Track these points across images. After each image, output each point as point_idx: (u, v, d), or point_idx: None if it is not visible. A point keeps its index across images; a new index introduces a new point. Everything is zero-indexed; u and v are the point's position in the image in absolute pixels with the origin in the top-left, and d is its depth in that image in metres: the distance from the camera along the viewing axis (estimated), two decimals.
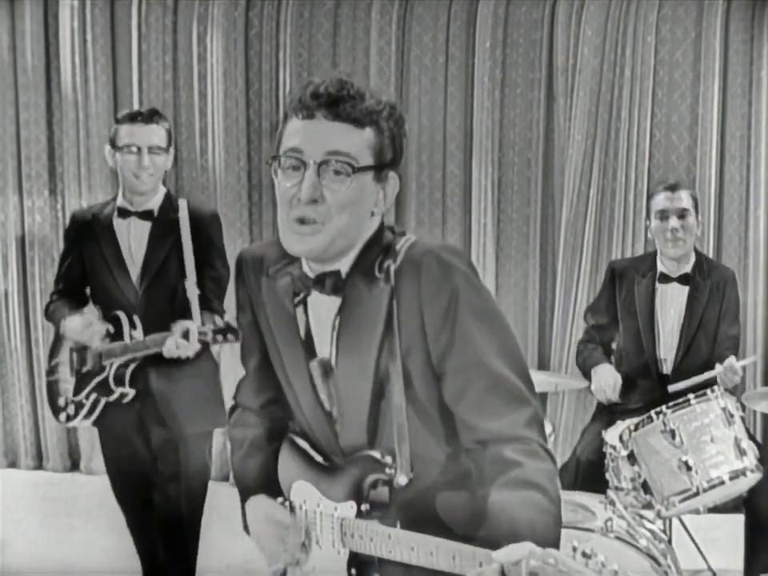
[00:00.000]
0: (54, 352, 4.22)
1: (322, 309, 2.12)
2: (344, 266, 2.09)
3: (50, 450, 6.81)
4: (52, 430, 6.71)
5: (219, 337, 3.76)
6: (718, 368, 4.37)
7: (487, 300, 2.06)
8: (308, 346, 2.15)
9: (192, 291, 3.88)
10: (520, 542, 1.71)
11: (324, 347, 2.13)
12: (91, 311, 4.08)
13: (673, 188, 4.59)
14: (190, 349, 3.76)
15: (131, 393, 3.95)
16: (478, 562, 1.75)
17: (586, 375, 4.74)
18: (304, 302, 2.14)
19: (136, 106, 6.40)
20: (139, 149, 3.90)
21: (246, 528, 2.28)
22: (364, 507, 2.05)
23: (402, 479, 2.00)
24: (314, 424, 2.18)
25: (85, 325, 3.99)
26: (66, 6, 6.49)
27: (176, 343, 3.74)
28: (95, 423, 4.09)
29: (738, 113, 6.04)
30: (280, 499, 2.23)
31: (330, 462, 2.16)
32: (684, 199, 4.57)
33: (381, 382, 2.03)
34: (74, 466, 6.83)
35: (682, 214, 4.54)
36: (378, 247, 2.09)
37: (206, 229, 4.07)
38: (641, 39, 6.04)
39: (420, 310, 1.99)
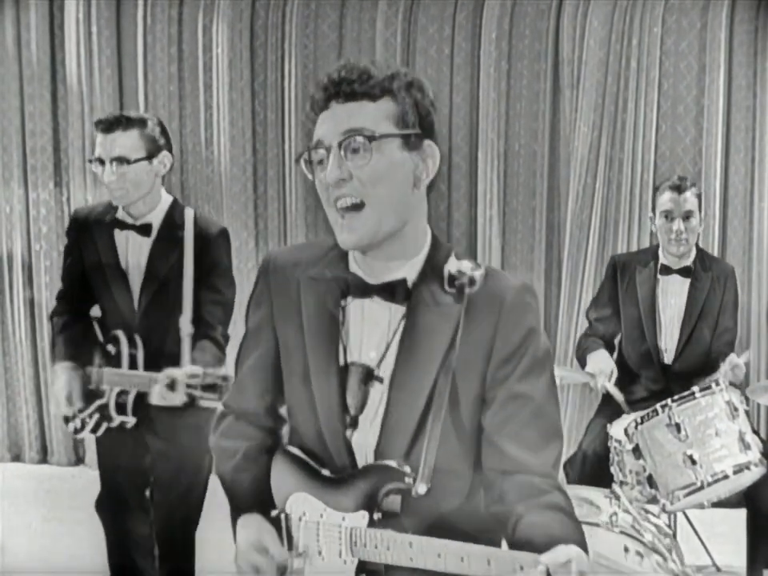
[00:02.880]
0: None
1: (377, 315, 2.09)
2: (410, 273, 2.09)
3: (54, 443, 6.83)
4: (57, 423, 6.68)
5: (209, 394, 3.37)
6: (723, 367, 4.36)
7: (546, 341, 2.10)
8: (336, 354, 2.11)
9: (185, 331, 3.66)
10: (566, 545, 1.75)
11: (370, 354, 2.10)
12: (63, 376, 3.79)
13: (679, 189, 4.55)
14: (176, 400, 3.43)
15: (132, 421, 3.75)
16: (518, 566, 1.74)
17: (581, 362, 4.75)
18: (346, 305, 2.12)
19: (141, 99, 6.47)
20: (102, 161, 3.62)
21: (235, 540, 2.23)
22: (377, 516, 2.02)
23: (421, 488, 1.97)
24: (327, 431, 2.12)
25: (60, 388, 3.76)
26: None
27: (160, 394, 3.43)
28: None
29: (743, 104, 6.03)
30: (275, 512, 2.18)
31: (337, 473, 2.12)
32: (689, 201, 4.54)
33: (432, 396, 2.02)
34: (79, 459, 6.84)
35: (686, 216, 4.53)
36: (439, 257, 2.10)
37: (212, 248, 3.80)
38: (647, 30, 6.02)
39: (492, 339, 2.03)
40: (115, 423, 3.77)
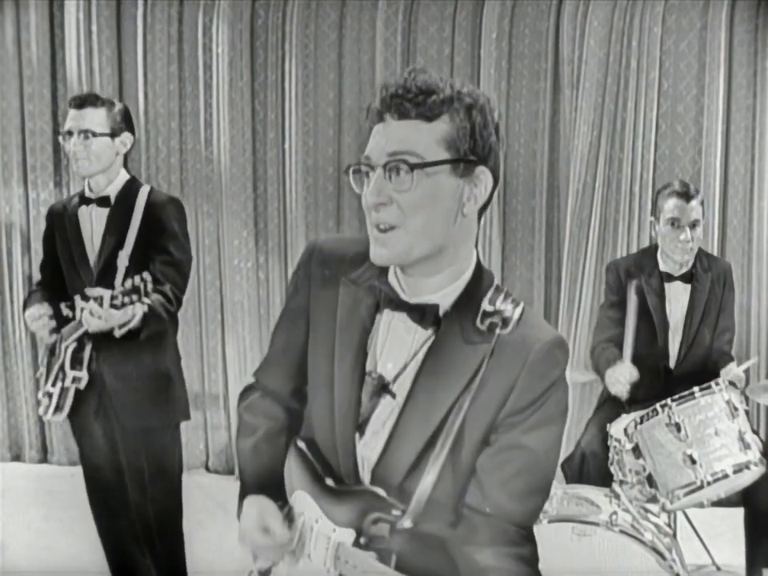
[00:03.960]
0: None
1: (403, 331, 2.06)
2: (445, 301, 2.04)
3: (54, 443, 6.83)
4: (57, 423, 6.69)
5: (132, 296, 3.63)
6: (723, 375, 4.37)
7: (565, 395, 2.05)
8: (361, 359, 2.10)
9: (122, 262, 3.90)
10: None
11: (390, 367, 2.08)
12: (40, 305, 4.06)
13: (687, 197, 4.50)
14: (107, 317, 3.65)
15: (84, 377, 3.96)
16: None
17: (597, 370, 4.71)
18: (380, 316, 2.10)
19: (141, 98, 6.45)
20: (70, 133, 3.94)
21: (239, 517, 2.23)
22: (363, 540, 2.02)
23: (407, 523, 1.97)
24: (340, 435, 2.11)
25: (34, 317, 4.01)
26: None
27: (90, 310, 3.66)
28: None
29: (742, 104, 6.02)
30: (279, 503, 2.19)
31: (338, 484, 2.11)
32: (696, 209, 4.50)
33: (438, 434, 1.99)
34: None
35: (693, 225, 4.51)
36: (478, 289, 2.04)
37: (161, 213, 4.03)
38: (647, 30, 6.01)
39: (509, 390, 1.97)
40: (69, 381, 3.96)
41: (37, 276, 4.44)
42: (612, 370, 4.49)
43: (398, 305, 2.05)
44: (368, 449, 2.09)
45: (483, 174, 1.98)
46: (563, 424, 2.06)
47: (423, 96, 1.91)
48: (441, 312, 2.03)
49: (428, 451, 1.99)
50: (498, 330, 1.97)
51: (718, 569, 4.75)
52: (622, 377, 4.42)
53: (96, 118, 3.95)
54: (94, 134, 3.94)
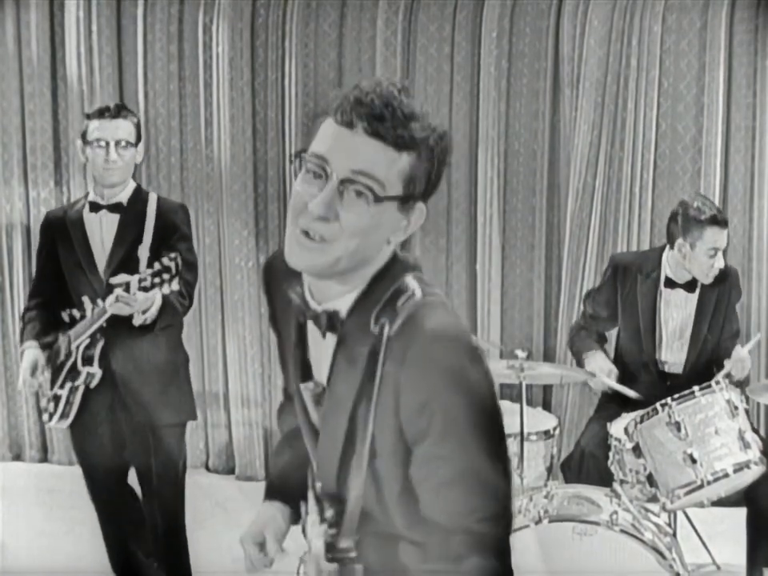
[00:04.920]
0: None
1: (318, 339, 2.01)
2: (343, 306, 1.95)
3: (55, 442, 6.80)
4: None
5: (164, 276, 3.74)
6: (728, 364, 4.37)
7: (472, 394, 1.86)
8: (305, 370, 2.06)
9: (143, 254, 4.01)
10: None
11: (320, 376, 2.03)
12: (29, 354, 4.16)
13: (724, 224, 4.46)
14: (132, 301, 3.77)
15: (98, 373, 4.02)
16: None
17: (579, 362, 4.74)
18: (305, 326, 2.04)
19: (141, 97, 6.46)
20: (107, 143, 4.05)
21: None
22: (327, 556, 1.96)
23: (345, 543, 1.93)
24: (309, 447, 2.10)
25: (24, 362, 4.14)
26: None
27: (116, 296, 3.76)
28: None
29: (743, 103, 6.02)
30: (293, 510, 2.19)
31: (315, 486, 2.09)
32: (726, 235, 4.50)
33: (352, 437, 1.91)
34: None
35: (722, 251, 4.49)
36: (381, 289, 1.93)
37: (173, 216, 4.20)
38: (647, 29, 6.01)
39: (398, 391, 1.85)
40: (82, 377, 4.01)
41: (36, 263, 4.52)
42: (590, 364, 4.62)
43: (309, 314, 1.98)
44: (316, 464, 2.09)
45: (420, 210, 1.93)
46: (484, 431, 1.88)
47: (403, 120, 1.81)
48: (342, 316, 1.95)
49: (348, 460, 1.93)
50: (386, 329, 1.86)
51: (718, 568, 4.75)
52: (602, 373, 4.52)
53: (128, 128, 4.11)
54: (129, 144, 4.09)
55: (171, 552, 4.22)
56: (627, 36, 6.03)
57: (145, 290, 3.75)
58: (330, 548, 1.94)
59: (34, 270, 6.50)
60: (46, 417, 4.16)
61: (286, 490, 2.22)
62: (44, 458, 6.89)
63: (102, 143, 4.06)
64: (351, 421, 1.91)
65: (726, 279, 4.66)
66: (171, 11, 6.47)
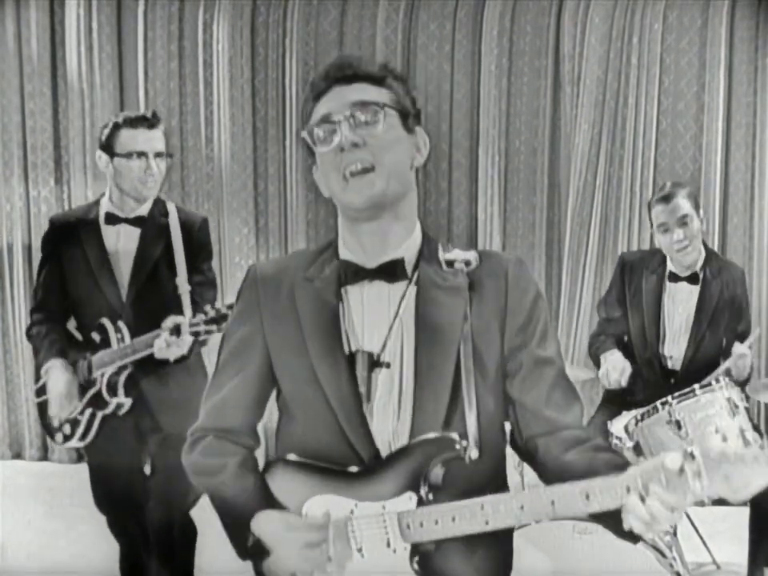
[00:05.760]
0: (40, 371, 4.02)
1: (377, 298, 2.14)
2: (408, 253, 2.17)
3: None
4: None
5: (213, 327, 3.52)
6: (728, 361, 4.36)
7: (548, 310, 2.21)
8: (347, 339, 2.14)
9: (183, 288, 3.75)
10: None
11: (373, 339, 2.13)
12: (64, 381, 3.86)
13: (667, 198, 4.45)
14: (182, 345, 3.58)
15: (127, 402, 3.81)
16: (626, 488, 1.80)
17: (597, 365, 4.73)
18: (346, 294, 2.16)
19: (141, 96, 6.44)
20: (146, 155, 3.77)
21: (243, 554, 2.14)
22: (424, 492, 2.01)
23: (474, 452, 2.01)
24: (347, 423, 2.09)
25: (59, 386, 3.83)
26: None
27: (166, 341, 3.56)
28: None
29: (743, 101, 6.02)
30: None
31: (363, 465, 2.08)
32: (681, 206, 4.44)
33: (458, 367, 2.07)
34: (80, 457, 6.81)
35: (683, 222, 4.46)
36: (432, 241, 2.22)
37: (197, 233, 3.95)
38: (648, 27, 6.01)
39: (504, 309, 2.12)
40: (111, 408, 3.80)
41: (37, 276, 4.27)
42: (605, 362, 4.57)
43: (362, 274, 2.14)
44: (381, 422, 2.10)
45: (421, 134, 2.20)
46: (552, 328, 2.21)
47: (362, 66, 2.13)
48: (407, 264, 2.15)
49: (457, 389, 2.06)
50: (465, 269, 2.13)
51: (718, 567, 4.74)
52: (615, 370, 4.48)
53: (162, 138, 3.85)
54: (169, 156, 3.88)
55: (180, 562, 4.05)
56: (628, 34, 6.04)
57: (196, 335, 3.55)
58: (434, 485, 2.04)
59: (34, 275, 6.55)
60: (59, 438, 3.95)
61: (275, 505, 2.14)
62: (44, 457, 6.88)
63: (141, 155, 3.75)
64: (457, 350, 2.08)
65: (729, 276, 4.64)
66: (171, 9, 6.47)
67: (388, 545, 2.03)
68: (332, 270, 2.17)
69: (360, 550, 2.06)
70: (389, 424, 2.09)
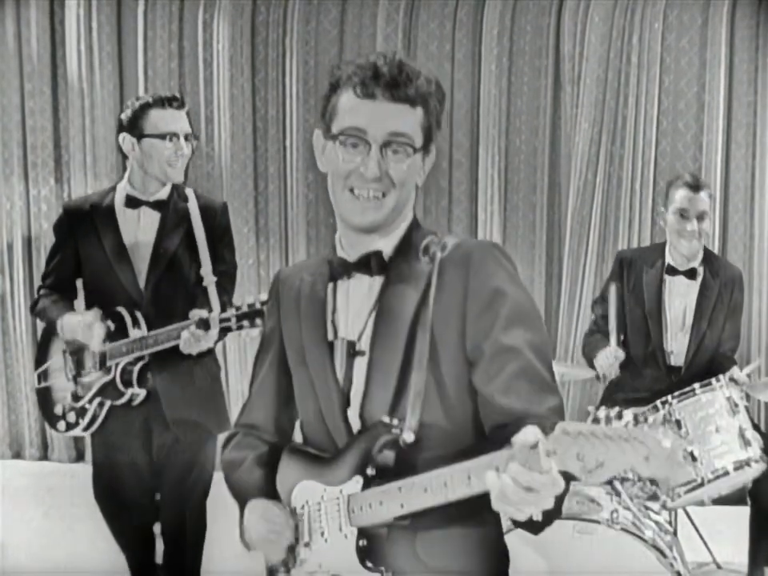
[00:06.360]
0: (42, 356, 4.00)
1: (359, 291, 2.19)
2: (387, 246, 2.19)
3: (55, 440, 6.82)
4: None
5: (245, 322, 3.36)
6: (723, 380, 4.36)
7: (525, 297, 2.14)
8: (333, 328, 2.20)
9: (209, 279, 3.63)
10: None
11: (354, 329, 2.17)
12: (90, 310, 3.76)
13: (696, 188, 4.48)
14: (210, 340, 3.49)
15: (142, 394, 3.72)
16: (494, 467, 1.73)
17: (591, 364, 4.72)
18: (335, 287, 2.23)
19: (141, 94, 6.41)
20: (177, 136, 3.69)
21: (242, 537, 2.23)
22: (369, 472, 2.02)
23: (408, 436, 1.99)
24: (326, 410, 2.16)
25: (86, 325, 3.69)
26: None
27: (193, 335, 3.46)
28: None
29: (743, 100, 6.02)
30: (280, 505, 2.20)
31: (335, 451, 2.14)
32: (704, 201, 4.48)
33: (410, 355, 2.06)
34: (79, 456, 6.83)
35: (701, 216, 4.49)
36: (417, 231, 2.22)
37: (219, 219, 3.90)
38: (648, 26, 6.01)
39: (464, 295, 2.08)
40: (124, 398, 3.73)
41: (37, 275, 4.19)
42: (598, 354, 4.55)
43: (347, 268, 2.20)
44: (355, 412, 2.14)
45: (432, 151, 2.22)
46: (539, 331, 2.12)
47: (413, 81, 2.07)
48: (385, 257, 2.18)
49: (406, 374, 2.05)
50: (438, 254, 2.10)
51: (719, 567, 4.74)
52: (606, 358, 4.48)
53: (188, 120, 3.78)
54: (195, 137, 3.83)
55: (189, 561, 4.02)
56: (628, 33, 6.04)
57: (227, 330, 3.43)
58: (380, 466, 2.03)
59: (35, 274, 6.57)
60: (61, 426, 3.90)
61: (271, 493, 2.23)
62: (44, 456, 6.89)
63: (172, 136, 3.66)
64: (409, 335, 2.08)
65: (728, 277, 4.65)
66: (172, 9, 6.49)
67: (340, 529, 2.08)
68: (326, 266, 2.25)
69: (323, 535, 2.12)
70: (359, 412, 2.14)
